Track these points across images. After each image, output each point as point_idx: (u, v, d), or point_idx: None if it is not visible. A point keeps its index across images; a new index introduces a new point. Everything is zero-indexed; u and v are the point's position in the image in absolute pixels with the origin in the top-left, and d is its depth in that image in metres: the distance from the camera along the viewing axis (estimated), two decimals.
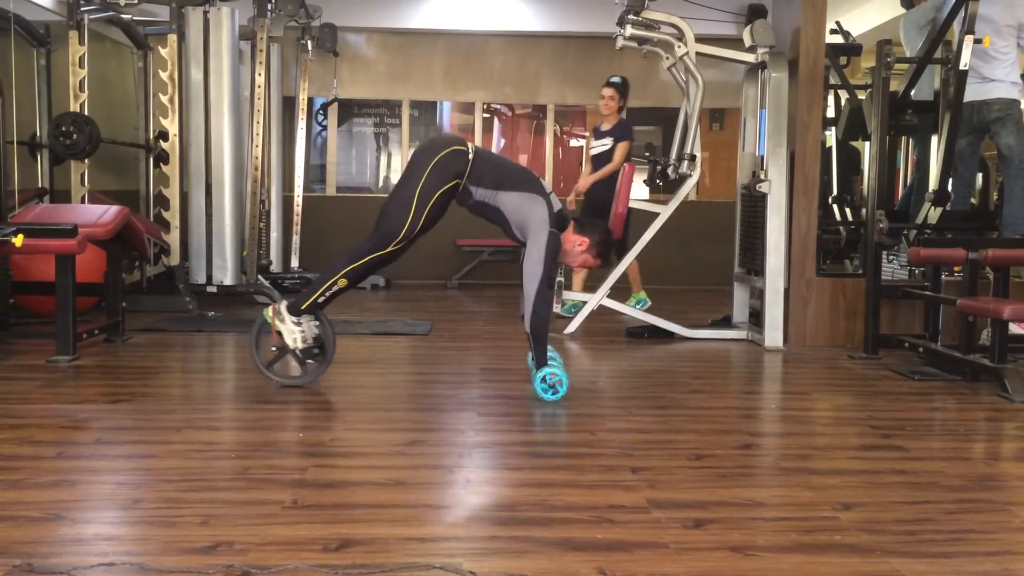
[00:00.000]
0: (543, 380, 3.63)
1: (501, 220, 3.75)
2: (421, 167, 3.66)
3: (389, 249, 3.69)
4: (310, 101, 8.28)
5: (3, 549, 2.03)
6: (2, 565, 1.94)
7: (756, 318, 5.42)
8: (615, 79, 6.41)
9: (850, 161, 6.79)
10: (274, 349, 3.81)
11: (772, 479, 2.82)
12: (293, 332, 3.74)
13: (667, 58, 5.32)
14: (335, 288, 3.70)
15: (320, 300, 3.72)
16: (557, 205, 3.77)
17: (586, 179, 6.43)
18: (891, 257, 5.58)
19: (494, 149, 9.86)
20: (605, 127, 6.39)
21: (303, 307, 3.72)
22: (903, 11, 6.08)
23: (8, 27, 5.80)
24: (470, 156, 3.68)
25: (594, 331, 5.51)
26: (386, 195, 9.13)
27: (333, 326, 3.86)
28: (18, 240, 4.22)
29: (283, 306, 3.76)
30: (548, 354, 3.69)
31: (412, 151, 3.97)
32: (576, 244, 3.87)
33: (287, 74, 8.14)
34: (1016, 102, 5.26)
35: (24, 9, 6.18)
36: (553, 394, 3.62)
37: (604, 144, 6.32)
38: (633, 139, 6.37)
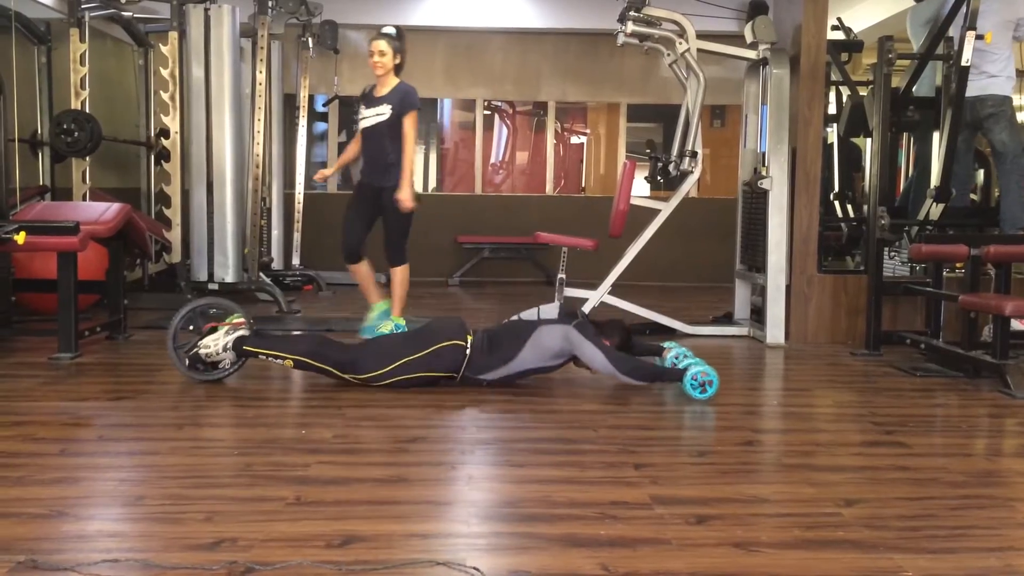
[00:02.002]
0: (693, 379, 3.69)
1: (536, 372, 3.85)
2: (422, 343, 3.75)
3: (345, 376, 3.77)
4: (311, 98, 8.27)
5: (7, 546, 2.04)
6: (6, 562, 1.94)
7: (758, 315, 5.42)
8: (387, 29, 5.03)
9: (850, 157, 6.78)
10: (190, 328, 3.93)
11: (774, 475, 2.82)
12: (215, 349, 3.78)
13: (668, 54, 5.31)
14: (279, 360, 3.78)
15: (260, 356, 3.80)
16: (551, 314, 3.92)
17: (346, 156, 5.28)
18: (892, 254, 5.58)
19: (495, 145, 9.86)
20: (380, 92, 5.01)
21: (245, 348, 3.78)
22: (904, 7, 6.07)
23: (9, 25, 5.79)
24: (467, 352, 3.74)
25: None
26: None
27: (237, 373, 3.90)
28: (20, 238, 4.22)
29: (237, 334, 3.80)
30: (679, 364, 3.85)
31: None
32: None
33: (288, 71, 8.14)
34: (1009, 99, 5.26)
35: (25, 7, 6.18)
36: (704, 392, 3.69)
37: (379, 114, 4.96)
38: (419, 107, 5.12)
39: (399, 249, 5.09)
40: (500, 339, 3.83)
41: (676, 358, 4.02)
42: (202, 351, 3.79)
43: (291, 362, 3.76)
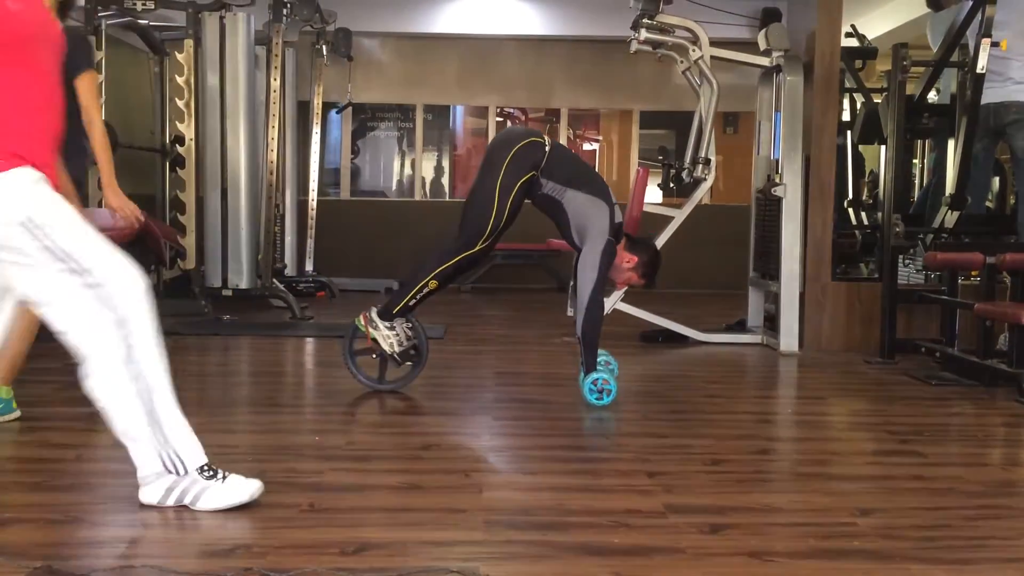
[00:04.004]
0: (593, 384, 3.62)
1: (562, 218, 3.74)
2: (499, 160, 3.64)
3: (478, 247, 3.67)
4: (325, 106, 8.30)
5: (23, 551, 2.05)
6: (22, 567, 1.95)
7: (771, 322, 5.41)
8: None
9: (856, 165, 6.76)
10: (374, 356, 3.79)
11: (789, 484, 2.81)
12: (388, 337, 3.71)
13: (681, 62, 5.31)
14: (426, 290, 3.67)
15: (411, 303, 3.69)
16: (619, 218, 3.76)
17: None
18: (907, 261, 5.55)
19: None
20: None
21: (395, 311, 3.69)
22: (919, 15, 6.05)
23: None
24: (547, 148, 3.67)
25: (608, 335, 5.43)
26: (400, 199, 9.05)
27: (425, 329, 3.84)
28: None
29: (374, 312, 3.72)
30: (601, 359, 3.69)
31: (491, 142, 3.91)
32: (624, 260, 3.84)
33: (302, 79, 8.17)
34: None
35: None
36: (599, 399, 3.62)
37: None
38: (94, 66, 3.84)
39: None
40: (578, 167, 3.84)
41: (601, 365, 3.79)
42: (398, 351, 3.72)
43: (434, 282, 3.65)
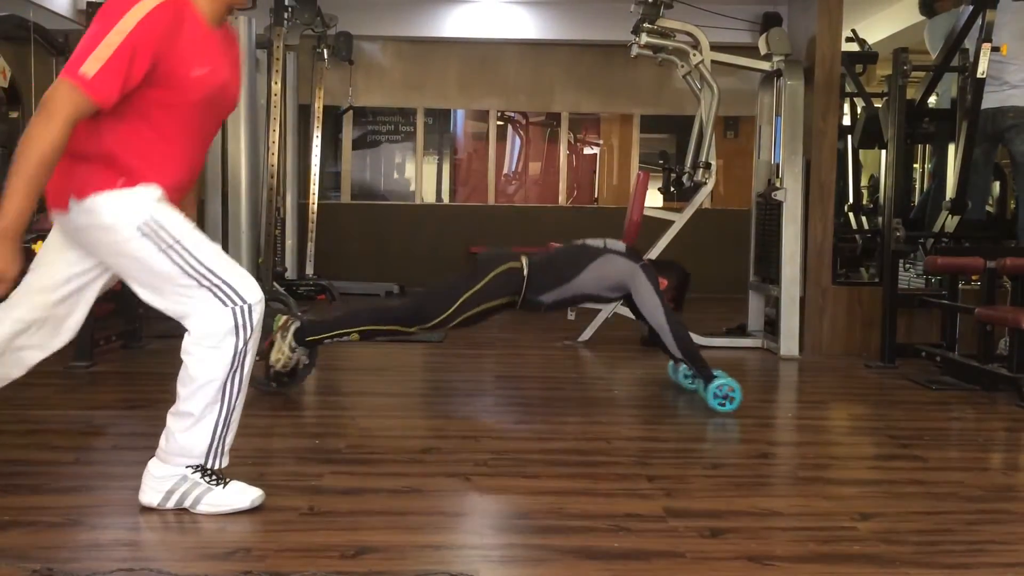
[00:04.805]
0: (717, 390, 3.64)
1: (592, 299, 3.82)
2: (479, 276, 3.67)
3: (412, 330, 3.70)
4: (325, 109, 8.31)
5: (22, 554, 2.05)
6: (21, 570, 1.95)
7: (771, 327, 5.40)
8: None
9: (856, 169, 6.76)
10: (257, 358, 3.78)
11: (789, 488, 2.81)
12: (283, 354, 3.67)
13: (682, 66, 5.31)
14: (346, 338, 3.71)
15: (326, 340, 3.72)
16: (618, 246, 3.80)
17: None
18: (907, 265, 5.55)
19: (508, 156, 9.88)
20: None
21: (308, 339, 3.70)
22: (919, 19, 6.06)
23: (28, 36, 5.85)
24: (524, 273, 3.68)
25: (609, 339, 5.50)
26: (400, 203, 9.07)
27: (316, 364, 3.83)
28: (37, 247, 4.23)
29: (292, 330, 3.70)
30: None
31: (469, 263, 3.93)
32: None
33: (303, 82, 8.18)
34: None
35: (44, 18, 6.23)
36: (723, 405, 3.63)
37: None
38: None
39: None
40: (559, 259, 3.77)
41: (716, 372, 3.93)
42: (278, 367, 3.69)
43: (356, 335, 3.67)
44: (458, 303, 3.62)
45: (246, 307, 2.26)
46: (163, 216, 2.23)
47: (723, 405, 3.63)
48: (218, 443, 2.33)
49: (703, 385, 3.69)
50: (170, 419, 2.34)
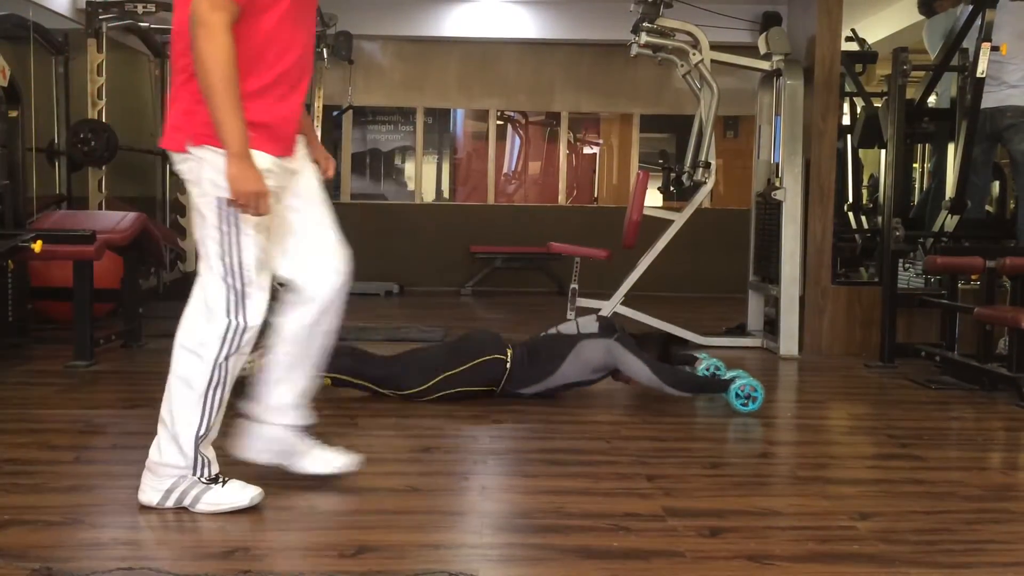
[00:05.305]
0: (739, 391, 3.65)
1: (576, 385, 3.81)
2: (463, 358, 3.69)
3: (385, 391, 3.72)
4: (325, 108, 8.31)
5: (22, 553, 2.05)
6: (21, 569, 1.95)
7: (771, 326, 5.41)
8: None
9: (856, 169, 6.76)
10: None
11: (788, 488, 2.81)
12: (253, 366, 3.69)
13: (682, 65, 5.31)
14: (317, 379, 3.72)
15: None
16: (591, 327, 3.79)
17: None
18: (907, 265, 5.55)
19: (508, 155, 9.88)
20: None
21: None
22: (918, 19, 6.05)
23: (27, 35, 5.85)
24: (507, 365, 3.70)
25: None
26: (400, 202, 9.06)
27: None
28: (37, 246, 4.25)
29: None
30: (720, 378, 3.79)
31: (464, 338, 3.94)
32: None
33: None
34: None
35: (43, 17, 6.24)
36: (746, 405, 3.64)
37: None
38: None
39: None
40: (539, 353, 3.78)
41: (708, 369, 4.01)
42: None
43: (329, 380, 3.67)
44: (436, 380, 3.66)
45: (240, 325, 2.29)
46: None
47: (745, 405, 3.64)
48: (197, 456, 2.34)
49: (727, 393, 3.69)
50: (159, 425, 2.36)
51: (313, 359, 2.51)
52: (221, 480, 2.35)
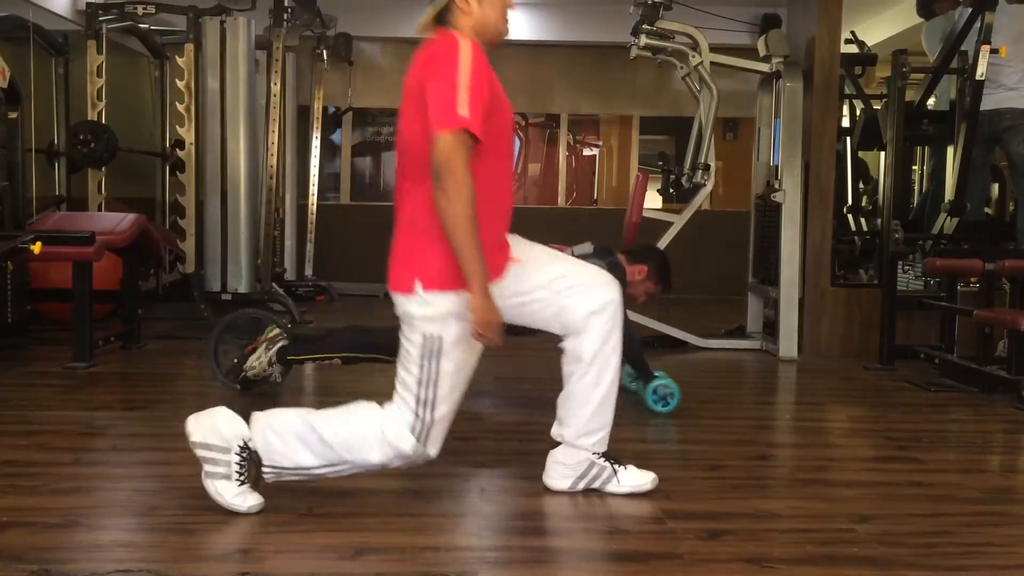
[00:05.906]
0: (654, 392, 3.64)
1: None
2: None
3: (393, 360, 3.67)
4: (325, 110, 8.31)
5: (20, 555, 2.05)
6: (20, 571, 1.95)
7: (770, 328, 5.41)
8: None
9: (855, 171, 6.75)
10: (235, 361, 3.78)
11: (787, 490, 2.81)
12: (261, 365, 3.68)
13: (681, 67, 5.31)
14: (326, 361, 3.72)
15: (305, 362, 3.74)
16: (586, 250, 3.75)
17: None
18: (906, 267, 5.55)
19: None
20: None
21: (289, 358, 3.68)
22: (918, 21, 6.06)
23: (27, 36, 5.85)
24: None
25: None
26: None
27: (284, 383, 3.83)
28: (36, 247, 4.25)
29: (278, 346, 3.68)
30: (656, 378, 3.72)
31: None
32: (636, 275, 3.83)
33: (303, 83, 8.18)
34: None
35: (43, 19, 6.24)
36: (664, 405, 3.64)
37: None
38: None
39: None
40: None
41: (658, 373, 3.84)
42: (250, 373, 3.69)
43: (339, 360, 3.67)
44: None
45: (414, 449, 2.34)
46: (450, 338, 2.34)
47: (664, 405, 3.64)
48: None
49: (642, 385, 3.69)
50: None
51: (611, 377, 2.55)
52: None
